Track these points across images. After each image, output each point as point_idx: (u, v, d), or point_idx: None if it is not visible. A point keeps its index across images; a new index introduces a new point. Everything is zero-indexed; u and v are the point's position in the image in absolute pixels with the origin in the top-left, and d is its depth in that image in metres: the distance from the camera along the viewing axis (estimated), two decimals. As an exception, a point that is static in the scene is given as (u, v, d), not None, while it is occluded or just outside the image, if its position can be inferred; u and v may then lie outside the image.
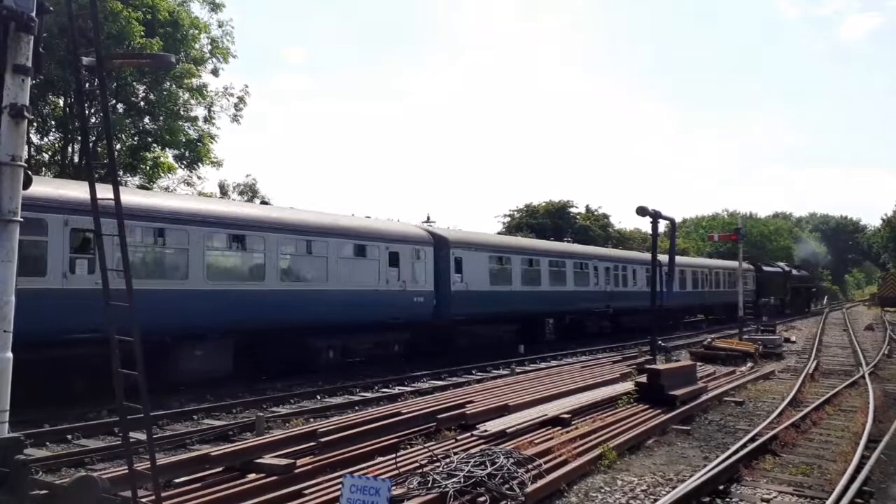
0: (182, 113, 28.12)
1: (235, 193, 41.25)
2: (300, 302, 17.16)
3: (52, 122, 26.21)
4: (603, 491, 8.01)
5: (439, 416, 10.87)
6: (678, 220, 64.44)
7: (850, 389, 16.24)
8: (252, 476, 7.92)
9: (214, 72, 29.15)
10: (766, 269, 53.47)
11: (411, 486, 7.12)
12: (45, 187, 13.08)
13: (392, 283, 19.98)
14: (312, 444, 9.14)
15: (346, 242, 18.84)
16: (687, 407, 12.90)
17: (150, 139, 27.37)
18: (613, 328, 33.18)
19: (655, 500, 7.56)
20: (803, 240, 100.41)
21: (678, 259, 40.00)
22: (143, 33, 23.77)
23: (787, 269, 57.80)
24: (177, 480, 7.72)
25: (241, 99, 29.91)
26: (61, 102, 25.83)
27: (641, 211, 20.44)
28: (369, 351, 20.00)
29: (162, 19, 25.54)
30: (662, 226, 22.18)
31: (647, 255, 37.42)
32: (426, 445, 9.32)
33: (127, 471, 5.50)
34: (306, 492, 7.20)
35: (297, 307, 16.99)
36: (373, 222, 22.39)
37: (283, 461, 8.19)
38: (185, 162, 28.85)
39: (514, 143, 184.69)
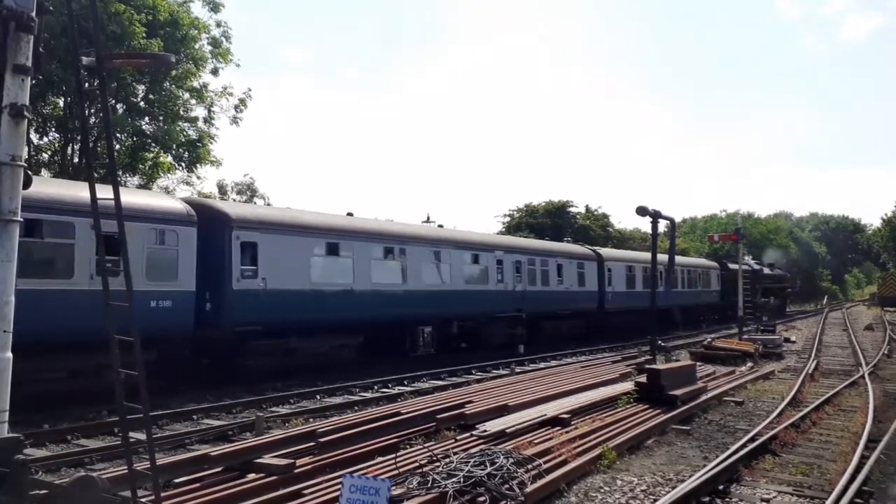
0: (182, 113, 28.11)
1: (234, 193, 41.27)
2: None
3: (52, 123, 26.20)
4: (603, 491, 8.01)
5: (439, 416, 10.87)
6: (678, 220, 64.30)
7: (849, 389, 16.24)
8: (252, 476, 7.93)
9: (214, 72, 29.11)
10: (732, 266, 47.24)
11: (411, 486, 7.12)
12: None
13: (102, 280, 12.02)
14: (312, 444, 9.14)
15: None
16: (687, 407, 12.90)
17: (148, 140, 27.36)
18: (530, 337, 26.64)
19: (655, 500, 7.56)
20: (800, 240, 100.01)
21: (617, 253, 36.55)
22: (144, 34, 23.78)
23: (756, 266, 51.39)
24: (176, 480, 7.73)
25: (241, 101, 29.88)
26: (61, 102, 25.83)
27: (641, 211, 20.46)
28: (62, 384, 12.92)
29: (162, 20, 25.54)
30: (662, 226, 22.18)
31: (577, 248, 33.72)
32: (426, 445, 9.32)
33: (127, 471, 5.50)
34: (306, 492, 7.20)
35: None
36: (66, 185, 14.71)
37: (283, 461, 8.19)
38: (183, 163, 28.84)
39: (513, 143, 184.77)
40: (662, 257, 41.90)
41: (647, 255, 38.86)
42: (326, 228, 19.03)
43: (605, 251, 34.62)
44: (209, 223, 15.78)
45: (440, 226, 28.51)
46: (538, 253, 28.49)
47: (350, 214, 22.52)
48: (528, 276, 26.86)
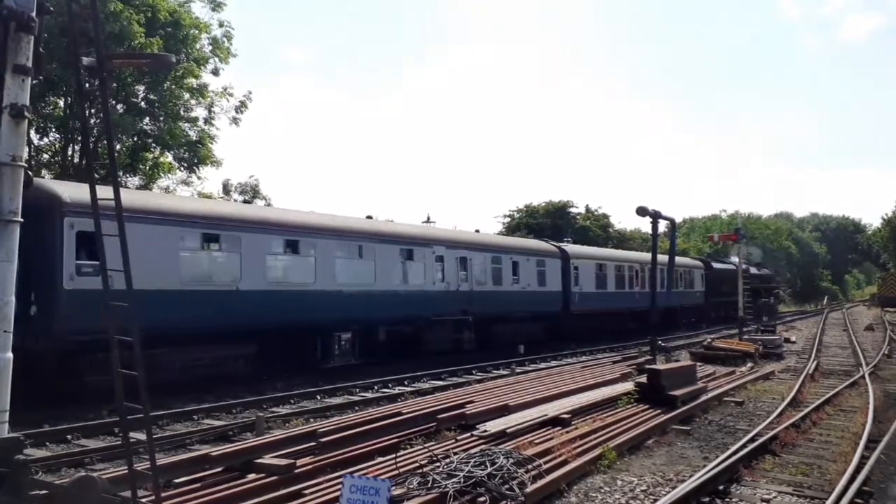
0: (182, 113, 28.16)
1: (237, 193, 41.21)
2: None
3: (53, 123, 26.21)
4: (603, 491, 8.01)
5: (439, 416, 10.87)
6: (679, 220, 64.01)
7: (850, 389, 16.23)
8: (252, 476, 7.92)
9: (215, 72, 29.19)
10: (716, 266, 47.31)
11: (411, 486, 7.12)
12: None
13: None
14: (312, 444, 9.14)
15: None
16: (687, 407, 12.90)
17: (149, 140, 27.41)
18: (479, 342, 24.00)
19: (655, 501, 7.56)
20: (803, 239, 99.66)
21: (586, 250, 34.40)
22: (143, 33, 23.81)
23: (743, 265, 49.16)
24: (177, 480, 7.72)
25: (242, 103, 29.97)
26: (61, 103, 25.85)
27: (641, 211, 20.45)
28: None
29: (162, 19, 25.58)
30: (662, 226, 22.18)
31: (537, 243, 30.95)
32: (426, 445, 9.32)
33: (127, 471, 5.51)
34: (306, 492, 7.20)
35: None
36: None
37: (283, 461, 8.19)
38: (184, 164, 28.92)
39: (514, 142, 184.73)
40: (640, 256, 39.86)
41: (622, 253, 38.69)
42: (203, 217, 16.01)
43: (572, 248, 32.06)
44: (32, 207, 11.92)
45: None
46: (488, 248, 25.45)
47: (247, 202, 20.23)
48: (475, 274, 24.01)
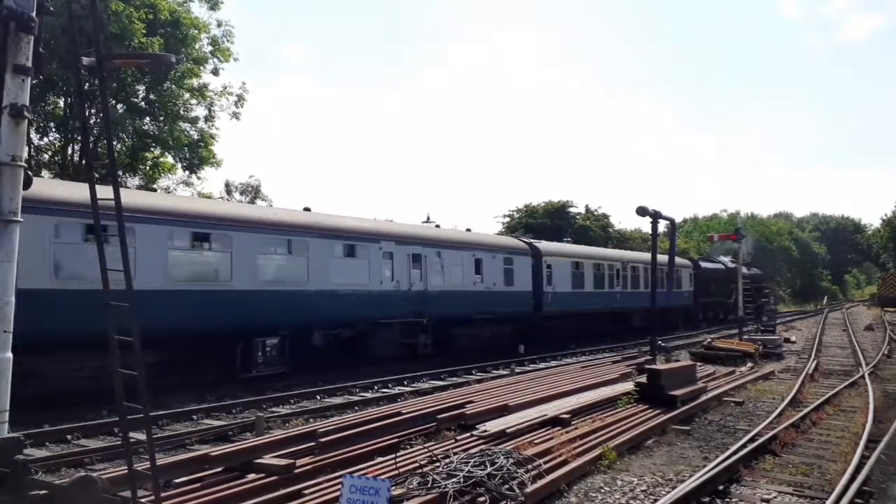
0: (182, 113, 28.20)
1: (238, 193, 41.23)
2: None
3: (52, 123, 26.23)
4: (603, 491, 8.01)
5: (439, 416, 10.87)
6: (679, 220, 63.98)
7: (849, 389, 16.24)
8: (252, 476, 7.93)
9: (215, 71, 29.23)
10: (704, 265, 45.24)
11: (411, 487, 7.12)
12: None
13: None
14: (312, 444, 9.14)
15: None
16: (687, 407, 12.90)
17: (149, 140, 27.43)
18: (437, 346, 22.43)
19: (655, 501, 7.56)
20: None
21: (560, 247, 32.62)
22: (144, 32, 23.84)
23: (732, 265, 45.81)
24: (177, 480, 7.73)
25: (240, 97, 30.03)
26: (61, 102, 25.87)
27: (641, 211, 20.45)
28: None
29: (163, 19, 25.60)
30: (662, 226, 22.18)
31: (504, 239, 29.40)
32: (426, 445, 9.32)
33: (127, 471, 5.51)
34: (306, 492, 7.20)
35: None
36: None
37: (283, 461, 8.20)
38: (184, 164, 28.95)
39: (513, 143, 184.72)
40: (621, 254, 38.44)
41: (602, 251, 37.45)
42: (84, 205, 12.57)
43: (545, 245, 29.68)
44: None
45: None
46: (446, 244, 23.26)
47: (153, 190, 18.16)
48: (431, 272, 22.08)
